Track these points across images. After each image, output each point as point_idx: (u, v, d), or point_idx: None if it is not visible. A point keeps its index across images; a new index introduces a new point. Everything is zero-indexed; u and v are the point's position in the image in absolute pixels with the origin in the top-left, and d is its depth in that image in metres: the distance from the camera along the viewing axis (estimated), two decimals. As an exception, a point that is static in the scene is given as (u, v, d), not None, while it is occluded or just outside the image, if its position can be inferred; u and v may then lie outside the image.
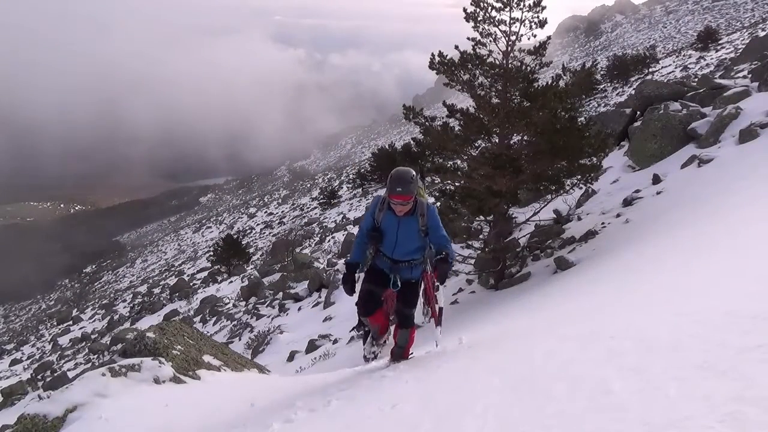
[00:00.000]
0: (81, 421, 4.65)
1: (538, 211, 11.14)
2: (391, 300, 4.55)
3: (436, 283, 4.44)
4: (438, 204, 10.22)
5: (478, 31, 9.57)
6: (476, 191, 9.36)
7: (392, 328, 4.72)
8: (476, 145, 10.28)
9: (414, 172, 4.22)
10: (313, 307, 16.65)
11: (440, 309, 4.53)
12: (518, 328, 5.17)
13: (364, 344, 4.96)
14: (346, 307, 13.44)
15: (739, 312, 2.51)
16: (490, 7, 9.35)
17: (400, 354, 4.69)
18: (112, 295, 46.45)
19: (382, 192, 4.48)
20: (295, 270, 22.14)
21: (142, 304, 31.24)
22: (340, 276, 4.77)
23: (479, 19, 9.47)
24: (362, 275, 4.54)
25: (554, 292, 7.48)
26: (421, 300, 4.57)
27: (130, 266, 65.74)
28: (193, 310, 23.60)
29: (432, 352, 4.51)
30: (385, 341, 4.77)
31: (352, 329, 5.16)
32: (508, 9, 9.27)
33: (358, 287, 4.47)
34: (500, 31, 9.44)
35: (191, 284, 31.72)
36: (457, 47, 9.74)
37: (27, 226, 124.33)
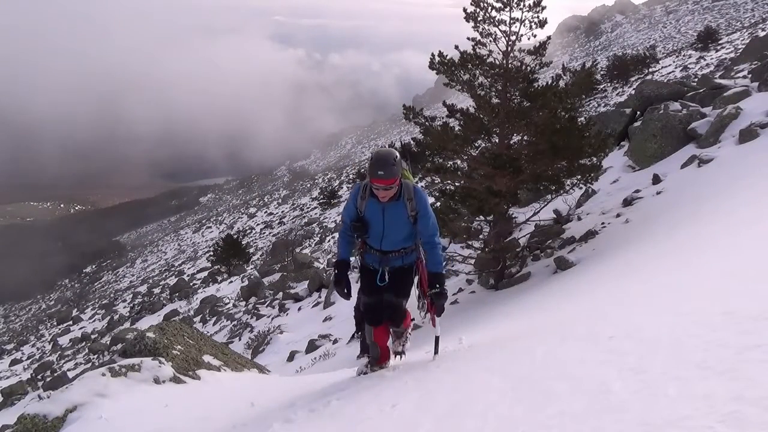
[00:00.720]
0: (81, 421, 4.64)
1: (538, 211, 11.15)
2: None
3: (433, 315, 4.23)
4: (438, 204, 10.23)
5: (478, 31, 9.57)
6: (476, 191, 9.36)
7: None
8: (476, 145, 10.29)
9: (397, 154, 3.87)
10: (313, 307, 16.66)
11: (437, 338, 4.33)
12: (518, 328, 5.17)
13: (361, 357, 4.73)
14: (346, 306, 13.44)
15: (738, 312, 2.51)
16: (490, 7, 9.36)
17: (400, 333, 4.44)
18: (112, 295, 46.45)
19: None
20: (295, 270, 22.16)
21: (142, 304, 31.25)
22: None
23: (479, 19, 9.48)
24: (356, 280, 4.36)
25: (554, 292, 7.48)
26: (416, 292, 4.31)
27: (130, 266, 65.71)
28: (193, 310, 23.62)
29: (432, 353, 4.49)
30: (381, 368, 4.43)
31: (358, 356, 4.85)
32: (508, 9, 9.28)
33: (354, 290, 4.24)
34: (500, 31, 9.45)
35: (191, 284, 31.74)
36: (457, 47, 9.75)
37: (27, 226, 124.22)
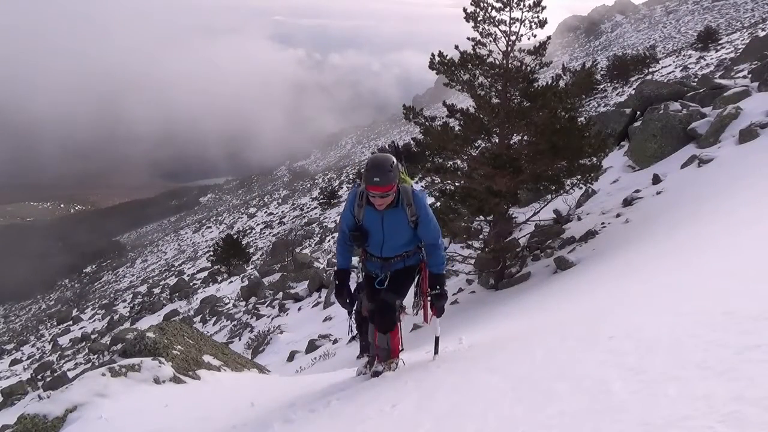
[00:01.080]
0: (81, 421, 4.64)
1: (538, 211, 11.15)
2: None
3: (432, 316, 4.16)
4: (438, 204, 10.23)
5: (478, 31, 9.58)
6: (476, 191, 9.36)
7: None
8: (476, 145, 10.29)
9: (394, 159, 3.71)
10: (313, 307, 16.66)
11: (437, 338, 4.26)
12: (518, 328, 5.17)
13: (361, 357, 4.61)
14: (346, 307, 13.44)
15: (739, 312, 2.51)
16: (490, 7, 9.36)
17: (386, 355, 4.17)
18: (112, 295, 46.45)
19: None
20: (295, 270, 22.16)
21: (142, 304, 31.25)
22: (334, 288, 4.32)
23: (479, 19, 9.48)
24: (359, 285, 4.24)
25: (554, 292, 7.48)
26: (414, 289, 4.23)
27: (130, 266, 65.70)
28: (193, 310, 23.62)
29: (432, 353, 4.48)
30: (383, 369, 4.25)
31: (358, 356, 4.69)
32: (508, 9, 9.28)
33: (358, 298, 4.19)
34: (500, 31, 9.45)
35: (191, 284, 31.75)
36: (457, 47, 9.75)
37: (27, 226, 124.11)
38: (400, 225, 3.88)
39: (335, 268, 4.23)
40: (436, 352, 4.32)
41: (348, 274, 4.12)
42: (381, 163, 3.65)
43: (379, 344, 4.17)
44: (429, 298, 4.14)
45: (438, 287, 3.99)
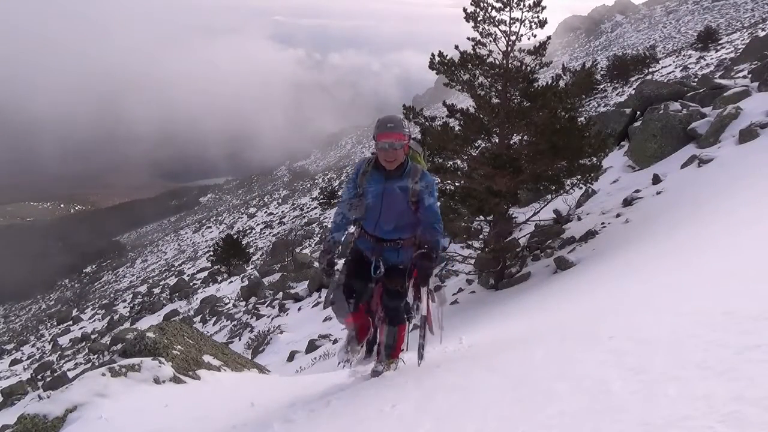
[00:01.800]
0: (81, 421, 4.64)
1: (538, 211, 11.16)
2: (378, 293, 3.94)
3: (424, 285, 3.78)
4: (438, 204, 10.23)
5: (478, 31, 9.58)
6: (476, 191, 9.37)
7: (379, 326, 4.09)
8: (476, 145, 10.30)
9: (404, 119, 3.77)
10: (313, 307, 16.66)
11: (422, 318, 3.87)
12: (518, 328, 5.17)
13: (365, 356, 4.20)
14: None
15: (739, 312, 2.51)
16: (490, 7, 9.37)
17: (388, 354, 4.06)
18: (112, 295, 46.44)
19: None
20: (295, 270, 22.18)
21: (142, 304, 31.25)
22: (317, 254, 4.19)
23: (479, 19, 9.49)
24: (343, 262, 4.00)
25: (554, 292, 7.49)
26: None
27: (130, 266, 65.70)
28: (193, 310, 23.62)
29: (431, 353, 4.47)
30: (362, 346, 4.11)
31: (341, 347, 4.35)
32: (508, 9, 9.29)
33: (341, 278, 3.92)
34: (500, 31, 9.46)
35: (191, 284, 31.75)
36: (457, 47, 9.76)
37: (27, 226, 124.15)
38: (399, 200, 3.71)
39: (327, 235, 4.01)
40: (408, 313, 3.96)
41: (336, 245, 3.91)
42: (392, 115, 3.78)
43: (385, 339, 4.03)
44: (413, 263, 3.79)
45: (426, 247, 3.63)
